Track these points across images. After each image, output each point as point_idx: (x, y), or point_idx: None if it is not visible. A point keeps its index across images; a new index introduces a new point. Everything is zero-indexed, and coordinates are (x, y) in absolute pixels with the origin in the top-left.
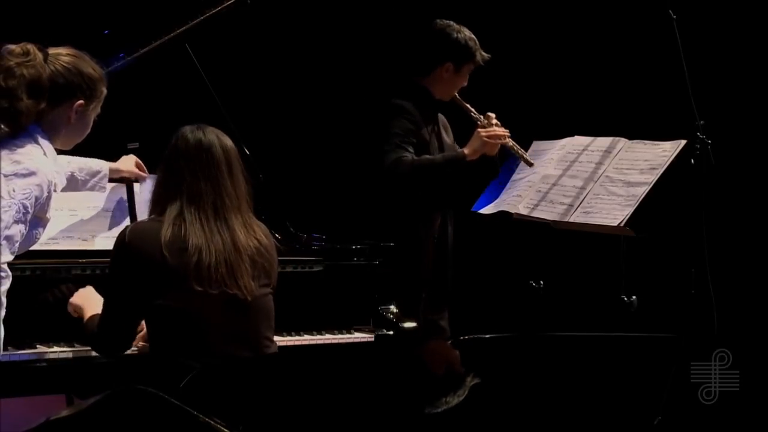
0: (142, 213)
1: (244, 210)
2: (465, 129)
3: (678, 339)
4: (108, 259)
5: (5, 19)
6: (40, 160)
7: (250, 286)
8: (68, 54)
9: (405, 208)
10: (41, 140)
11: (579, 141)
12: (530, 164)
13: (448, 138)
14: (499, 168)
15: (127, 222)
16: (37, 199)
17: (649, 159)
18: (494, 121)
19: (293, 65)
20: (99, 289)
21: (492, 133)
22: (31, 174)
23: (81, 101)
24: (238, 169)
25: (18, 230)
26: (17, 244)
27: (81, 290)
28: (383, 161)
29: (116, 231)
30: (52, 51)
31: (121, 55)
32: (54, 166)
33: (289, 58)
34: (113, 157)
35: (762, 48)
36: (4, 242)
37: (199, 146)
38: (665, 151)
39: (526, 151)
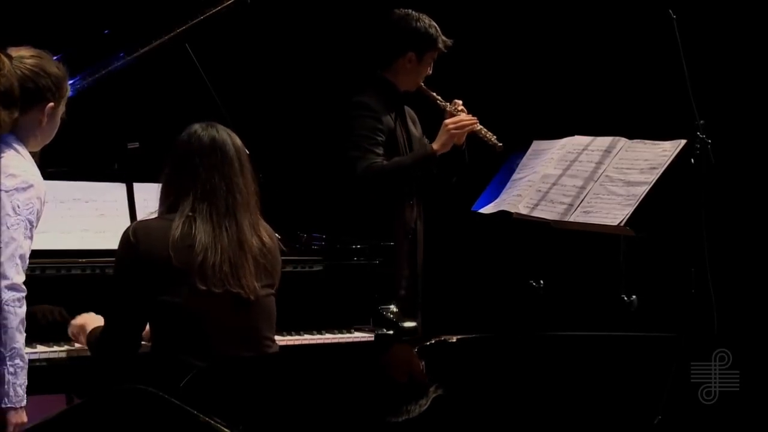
0: (141, 213)
1: (252, 208)
2: (434, 119)
3: (678, 339)
4: (108, 259)
5: (5, 19)
6: (33, 171)
7: (253, 286)
8: (32, 56)
9: (379, 207)
10: (16, 146)
11: (579, 141)
12: (498, 148)
13: (416, 131)
14: (467, 156)
15: (126, 222)
16: (38, 212)
17: (649, 159)
18: (460, 107)
19: (293, 65)
20: (99, 287)
21: (459, 123)
22: (30, 187)
23: (51, 103)
24: (248, 168)
25: (28, 246)
26: (27, 261)
27: (80, 315)
28: (354, 168)
29: (116, 231)
30: (13, 54)
31: (121, 55)
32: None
33: (289, 58)
34: (113, 157)
35: (762, 48)
36: (18, 261)
37: (214, 143)
38: (665, 151)
39: (526, 150)
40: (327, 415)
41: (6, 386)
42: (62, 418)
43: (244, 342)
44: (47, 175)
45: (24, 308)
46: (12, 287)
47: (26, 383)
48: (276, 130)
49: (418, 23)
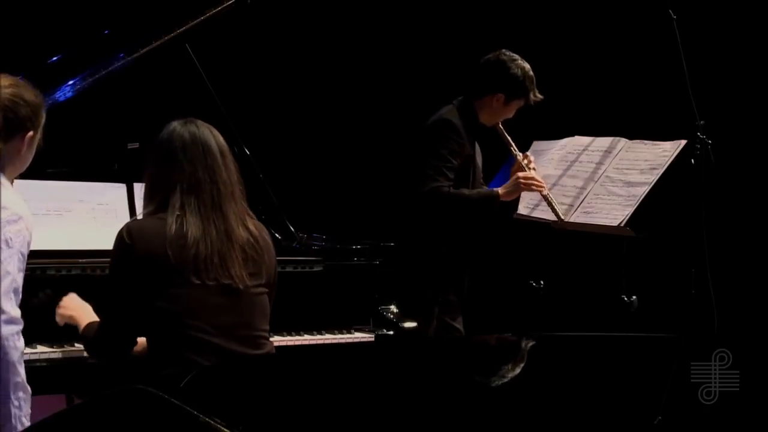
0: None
1: (237, 199)
2: (493, 156)
3: (678, 339)
4: (108, 259)
5: (5, 19)
6: (19, 201)
7: (241, 274)
8: (10, 84)
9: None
10: None
11: (579, 141)
12: (561, 219)
13: (479, 161)
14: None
15: (126, 221)
16: (28, 244)
17: (649, 159)
18: (532, 166)
19: (293, 65)
20: (99, 287)
21: (531, 181)
22: (20, 219)
23: (31, 132)
24: (230, 160)
25: (21, 279)
26: (20, 295)
27: (66, 299)
28: (421, 185)
29: (116, 231)
30: None
31: (121, 55)
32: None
33: (289, 58)
34: (113, 157)
35: (762, 48)
36: (13, 295)
37: (195, 139)
38: (665, 151)
39: (526, 150)
40: (326, 415)
41: (13, 420)
42: (62, 418)
43: (239, 337)
44: (47, 176)
45: (23, 341)
46: (10, 321)
47: (30, 412)
48: (276, 130)
49: (518, 71)
